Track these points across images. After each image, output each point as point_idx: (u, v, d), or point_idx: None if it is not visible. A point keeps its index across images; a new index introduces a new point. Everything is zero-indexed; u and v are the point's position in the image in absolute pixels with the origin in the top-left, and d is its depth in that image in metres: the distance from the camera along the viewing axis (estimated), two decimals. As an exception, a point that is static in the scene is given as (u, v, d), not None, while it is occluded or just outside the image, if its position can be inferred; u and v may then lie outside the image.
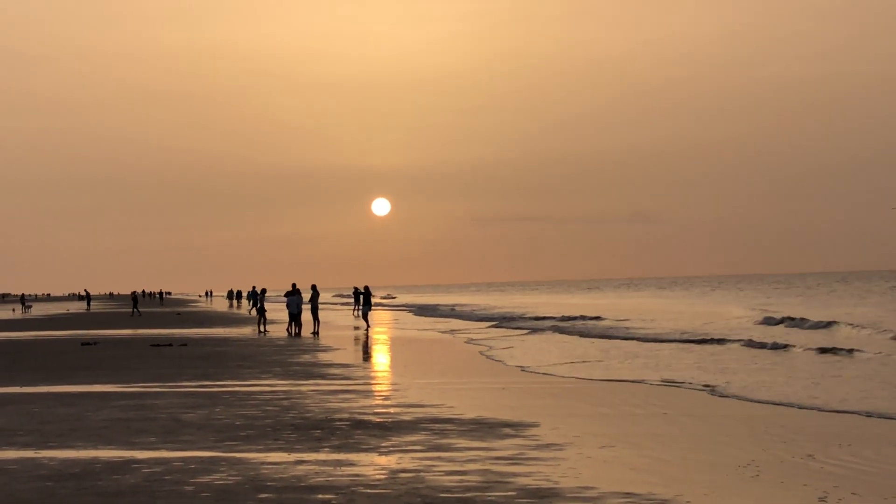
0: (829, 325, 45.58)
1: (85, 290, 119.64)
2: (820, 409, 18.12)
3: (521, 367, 28.41)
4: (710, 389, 21.49)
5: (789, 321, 49.39)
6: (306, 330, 49.71)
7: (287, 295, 50.54)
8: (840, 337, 39.07)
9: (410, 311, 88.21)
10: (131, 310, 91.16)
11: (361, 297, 61.33)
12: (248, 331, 55.19)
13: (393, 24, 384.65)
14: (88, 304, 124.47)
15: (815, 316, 51.26)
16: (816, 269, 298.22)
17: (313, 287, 52.11)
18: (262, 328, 51.66)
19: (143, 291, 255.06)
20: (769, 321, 50.50)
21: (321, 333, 48.58)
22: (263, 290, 60.00)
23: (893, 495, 10.95)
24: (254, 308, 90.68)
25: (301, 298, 50.34)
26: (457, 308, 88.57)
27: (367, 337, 46.89)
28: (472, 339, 42.95)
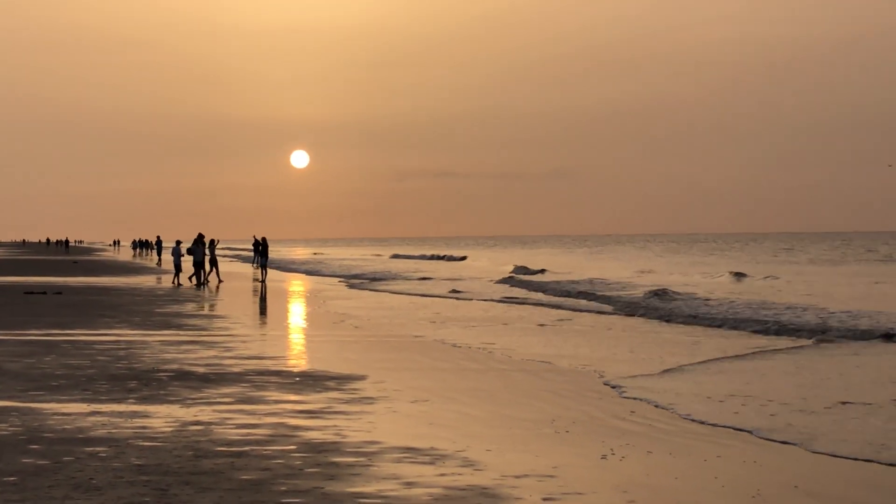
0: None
1: None
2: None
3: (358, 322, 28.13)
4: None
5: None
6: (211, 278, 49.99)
7: (193, 245, 50.41)
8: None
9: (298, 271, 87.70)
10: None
11: (259, 247, 60.81)
12: (141, 280, 54.49)
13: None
14: None
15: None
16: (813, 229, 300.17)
17: (199, 236, 51.67)
18: (176, 280, 50.65)
19: (48, 239, 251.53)
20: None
21: (214, 284, 48.43)
22: (178, 241, 59.02)
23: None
24: (158, 257, 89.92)
25: (204, 248, 50.11)
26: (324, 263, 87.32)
27: (261, 288, 46.78)
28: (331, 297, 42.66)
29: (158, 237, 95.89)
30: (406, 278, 58.67)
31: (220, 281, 50.70)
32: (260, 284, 50.52)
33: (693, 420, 12.73)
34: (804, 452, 10.82)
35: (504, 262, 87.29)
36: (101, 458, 10.09)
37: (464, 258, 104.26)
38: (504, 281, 52.48)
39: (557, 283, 47.78)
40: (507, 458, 10.41)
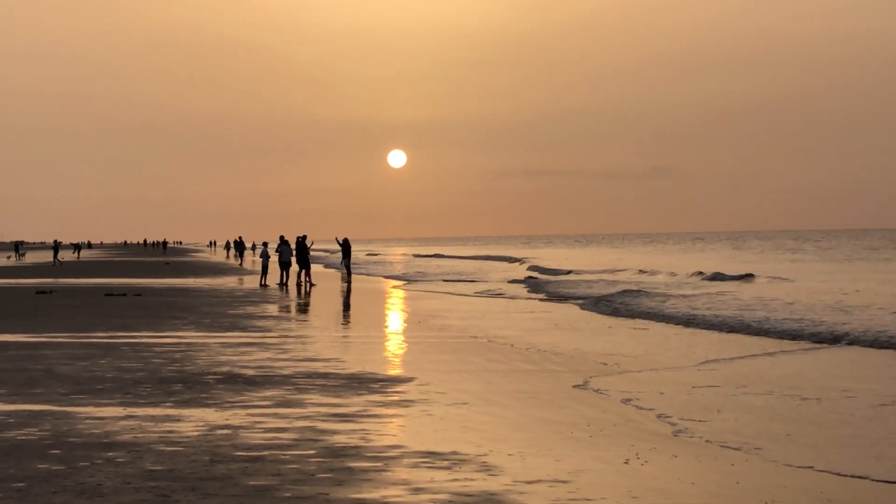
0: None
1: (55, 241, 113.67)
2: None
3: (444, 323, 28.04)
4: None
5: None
6: (292, 280, 49.80)
7: (279, 247, 50.73)
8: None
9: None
10: (52, 259, 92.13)
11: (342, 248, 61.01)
12: (225, 281, 55.01)
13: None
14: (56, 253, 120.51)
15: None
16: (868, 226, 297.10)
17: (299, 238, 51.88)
18: (263, 281, 50.75)
19: (145, 240, 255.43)
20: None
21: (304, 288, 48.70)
22: (265, 243, 59.46)
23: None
24: (238, 256, 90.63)
25: (290, 249, 50.38)
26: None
27: (347, 288, 47.04)
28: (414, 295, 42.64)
29: (240, 237, 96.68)
30: (444, 279, 58.90)
31: (311, 285, 47.78)
32: (344, 286, 50.60)
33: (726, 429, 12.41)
34: (821, 472, 10.50)
35: (562, 261, 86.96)
36: (116, 463, 10.06)
37: (518, 260, 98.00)
38: (517, 281, 53.20)
39: (572, 282, 48.82)
40: (527, 462, 10.21)
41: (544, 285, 47.57)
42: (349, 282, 53.61)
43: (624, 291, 39.07)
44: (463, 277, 59.71)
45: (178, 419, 12.64)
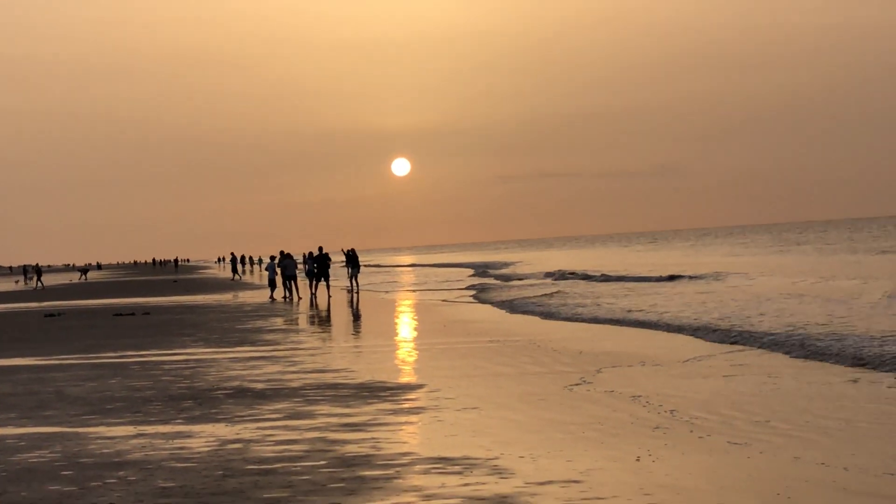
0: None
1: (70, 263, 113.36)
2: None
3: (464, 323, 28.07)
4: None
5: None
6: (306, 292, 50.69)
7: (281, 261, 51.02)
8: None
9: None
10: (34, 282, 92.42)
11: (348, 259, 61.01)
12: (232, 296, 55.17)
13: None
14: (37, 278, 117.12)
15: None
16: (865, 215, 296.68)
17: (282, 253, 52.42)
18: (272, 295, 50.96)
19: (154, 259, 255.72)
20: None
21: (300, 299, 48.83)
22: (272, 258, 59.41)
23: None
24: (235, 273, 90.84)
25: (294, 263, 50.70)
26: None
27: (353, 300, 47.08)
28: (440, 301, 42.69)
29: (232, 254, 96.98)
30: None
31: (329, 296, 49.15)
32: (351, 296, 50.64)
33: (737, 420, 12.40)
34: (833, 466, 10.48)
35: (551, 264, 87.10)
36: (128, 482, 10.07)
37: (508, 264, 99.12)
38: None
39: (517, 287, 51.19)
40: (539, 464, 10.20)
41: (488, 291, 48.97)
42: (355, 292, 53.60)
43: (543, 295, 41.19)
44: (425, 287, 60.50)
45: (188, 435, 12.64)
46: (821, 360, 17.64)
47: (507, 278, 66.31)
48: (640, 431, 11.81)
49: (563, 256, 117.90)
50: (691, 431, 11.69)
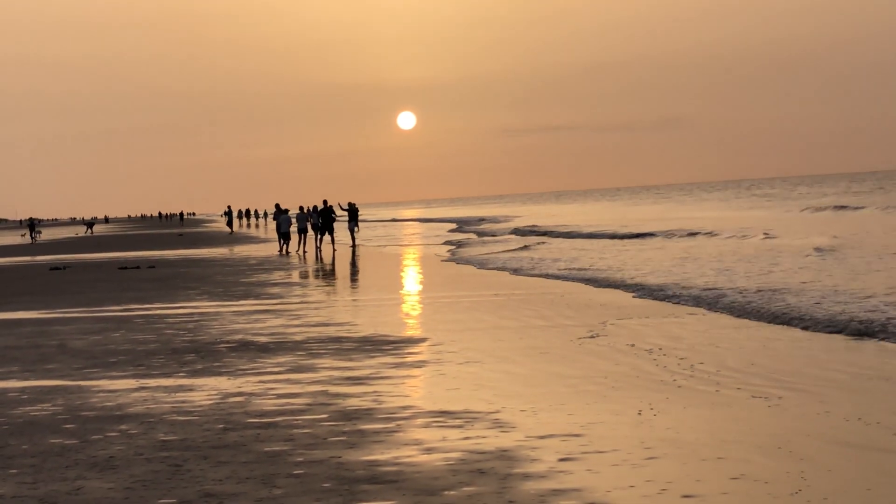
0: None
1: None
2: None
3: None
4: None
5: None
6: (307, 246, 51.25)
7: (285, 214, 51.94)
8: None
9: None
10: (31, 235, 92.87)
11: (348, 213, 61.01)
12: (237, 249, 55.30)
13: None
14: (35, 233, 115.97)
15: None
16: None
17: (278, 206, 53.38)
18: (282, 249, 51.25)
19: (160, 213, 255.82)
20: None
21: (304, 251, 49.06)
22: (278, 209, 59.50)
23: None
24: (230, 228, 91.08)
25: (290, 217, 51.32)
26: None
27: (352, 253, 47.17)
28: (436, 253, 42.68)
29: (228, 207, 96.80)
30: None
31: (334, 249, 49.88)
32: (351, 249, 50.79)
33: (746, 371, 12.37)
34: (836, 418, 10.46)
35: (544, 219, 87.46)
36: (129, 435, 10.07)
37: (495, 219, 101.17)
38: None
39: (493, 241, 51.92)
40: (540, 417, 10.19)
41: (465, 245, 49.65)
42: (354, 246, 53.71)
43: (515, 248, 42.77)
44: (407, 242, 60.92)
45: (190, 389, 12.65)
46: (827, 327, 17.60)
47: (481, 234, 67.10)
48: (643, 385, 11.79)
49: (553, 211, 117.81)
50: (693, 386, 11.66)
